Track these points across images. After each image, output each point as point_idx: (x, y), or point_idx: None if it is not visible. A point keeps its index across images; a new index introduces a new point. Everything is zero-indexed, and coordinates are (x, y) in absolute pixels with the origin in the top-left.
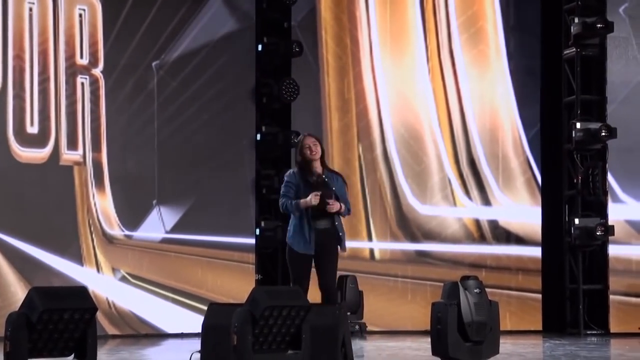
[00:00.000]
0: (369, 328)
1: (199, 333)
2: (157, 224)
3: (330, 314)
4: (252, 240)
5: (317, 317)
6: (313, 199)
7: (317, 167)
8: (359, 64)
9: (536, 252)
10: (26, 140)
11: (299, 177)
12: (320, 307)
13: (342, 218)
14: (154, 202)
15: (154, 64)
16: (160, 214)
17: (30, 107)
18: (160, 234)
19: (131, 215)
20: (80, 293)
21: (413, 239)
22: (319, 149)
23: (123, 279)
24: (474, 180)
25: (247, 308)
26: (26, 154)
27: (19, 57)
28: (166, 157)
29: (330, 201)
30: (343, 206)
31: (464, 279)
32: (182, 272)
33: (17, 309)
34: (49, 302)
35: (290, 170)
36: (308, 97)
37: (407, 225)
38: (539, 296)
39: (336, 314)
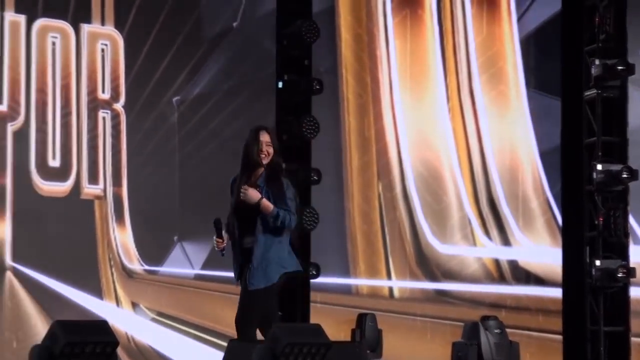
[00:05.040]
0: None
1: None
2: (177, 260)
3: (350, 352)
4: None
5: (337, 355)
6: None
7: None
8: (379, 102)
9: (557, 293)
10: (48, 173)
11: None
12: (341, 345)
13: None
14: (175, 237)
15: (174, 99)
16: (184, 250)
17: (52, 140)
18: (179, 269)
19: (151, 250)
20: (102, 327)
21: (432, 277)
22: (271, 149)
23: (142, 313)
24: (494, 220)
25: (268, 345)
26: (48, 188)
27: (41, 91)
28: (187, 193)
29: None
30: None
31: (485, 318)
32: (202, 308)
33: (37, 342)
34: (71, 335)
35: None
36: (328, 135)
37: (426, 264)
38: (560, 337)
39: (357, 351)
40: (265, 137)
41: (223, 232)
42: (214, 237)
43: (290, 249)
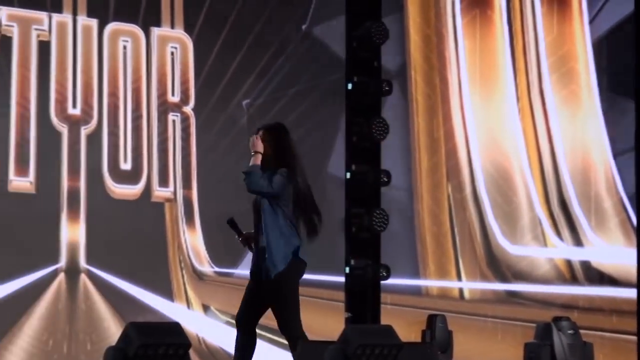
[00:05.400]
0: None
1: None
2: (247, 261)
3: (422, 353)
4: (342, 279)
5: (409, 356)
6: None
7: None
8: (448, 103)
9: (631, 293)
10: (120, 176)
11: None
12: (413, 346)
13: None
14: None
15: (244, 102)
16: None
17: (124, 144)
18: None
19: (222, 252)
20: (175, 329)
21: (503, 279)
22: (259, 142)
23: (213, 315)
24: (565, 220)
25: (339, 346)
26: (120, 190)
27: (113, 95)
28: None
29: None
30: None
31: (557, 319)
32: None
33: (110, 344)
34: (145, 337)
35: None
36: (397, 136)
37: (497, 265)
38: (635, 338)
39: (428, 352)
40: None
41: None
42: (236, 237)
43: (294, 242)
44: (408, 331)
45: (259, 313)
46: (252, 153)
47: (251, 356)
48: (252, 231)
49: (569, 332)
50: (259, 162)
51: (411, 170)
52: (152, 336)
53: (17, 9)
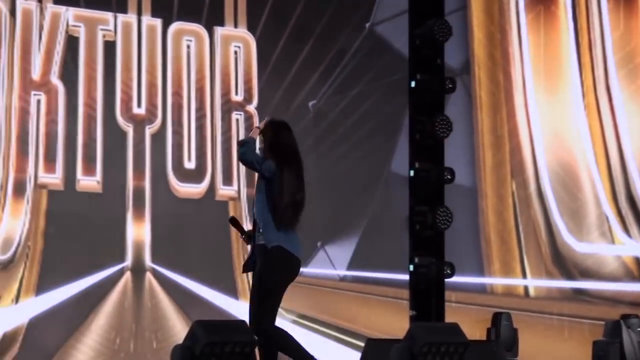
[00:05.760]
0: None
1: None
2: (318, 261)
3: (488, 351)
4: (406, 277)
5: (475, 354)
6: None
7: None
8: (512, 100)
9: None
10: (184, 175)
11: None
12: (479, 344)
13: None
14: (319, 243)
15: (310, 103)
16: (326, 252)
17: (188, 143)
18: (313, 269)
19: None
20: (241, 326)
21: (569, 276)
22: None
23: (277, 313)
24: (634, 217)
25: (406, 344)
26: (184, 189)
27: (177, 94)
28: (319, 194)
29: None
30: None
31: (626, 317)
32: (337, 308)
33: (175, 342)
34: (211, 335)
35: None
36: (461, 134)
37: (562, 263)
38: None
39: (494, 350)
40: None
41: (244, 227)
42: (241, 236)
43: (279, 232)
44: (473, 329)
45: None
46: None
47: (276, 353)
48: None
49: (639, 329)
50: (256, 136)
51: (475, 168)
52: (219, 334)
53: (83, 9)
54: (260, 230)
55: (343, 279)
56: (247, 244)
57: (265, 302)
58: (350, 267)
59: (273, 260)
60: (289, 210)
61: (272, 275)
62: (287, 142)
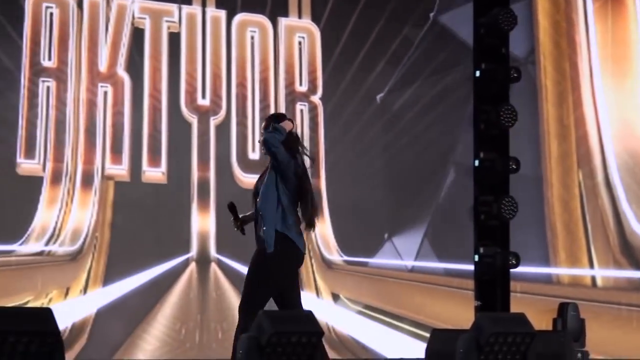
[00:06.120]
0: (592, 356)
1: (418, 359)
2: (384, 252)
3: (555, 342)
4: (471, 267)
5: (542, 345)
6: None
7: None
8: (579, 89)
9: None
10: (248, 166)
11: None
12: (545, 334)
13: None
14: (386, 235)
15: (378, 96)
16: (393, 244)
17: (252, 133)
18: (379, 260)
19: (351, 241)
20: (307, 317)
21: (638, 266)
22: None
23: (342, 304)
24: None
25: (472, 334)
26: (248, 180)
27: (241, 85)
28: (383, 184)
29: None
30: None
31: None
32: (401, 298)
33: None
34: (277, 325)
35: None
36: (526, 123)
37: (631, 253)
38: None
39: (561, 341)
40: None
41: (239, 214)
42: (232, 219)
43: (274, 228)
44: (539, 320)
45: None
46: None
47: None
48: (248, 214)
49: None
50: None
51: (540, 158)
52: (285, 324)
53: (148, 1)
54: (264, 226)
55: (412, 270)
56: (237, 230)
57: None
58: (417, 257)
59: (272, 264)
60: (314, 212)
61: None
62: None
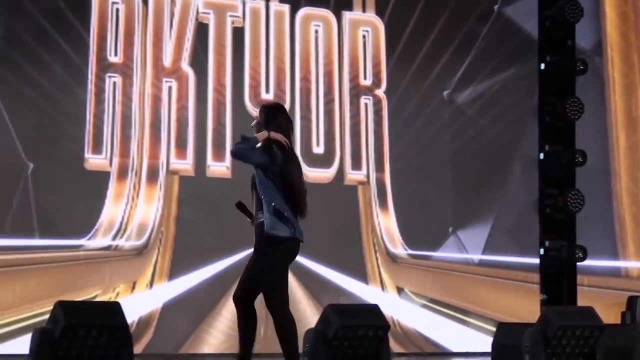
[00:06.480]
0: None
1: (484, 352)
2: (449, 246)
3: (625, 335)
4: (536, 260)
5: (611, 338)
6: None
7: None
8: None
9: None
10: (313, 160)
11: None
12: (614, 327)
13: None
14: (450, 228)
15: (445, 92)
16: (458, 237)
17: (316, 127)
18: (443, 254)
19: (416, 235)
20: (373, 311)
21: None
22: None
23: (407, 297)
24: None
25: (540, 327)
26: (313, 174)
27: (305, 79)
28: (447, 178)
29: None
30: None
31: None
32: (466, 291)
33: (307, 327)
34: (344, 319)
35: None
36: (593, 116)
37: None
38: None
39: (631, 335)
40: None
41: (250, 212)
42: (247, 220)
43: (279, 216)
44: (607, 313)
45: (256, 291)
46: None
47: (253, 332)
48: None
49: None
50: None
51: (608, 150)
52: (352, 318)
53: None
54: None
55: (480, 263)
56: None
57: (272, 288)
58: (484, 251)
59: (269, 250)
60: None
61: (269, 264)
62: (281, 123)
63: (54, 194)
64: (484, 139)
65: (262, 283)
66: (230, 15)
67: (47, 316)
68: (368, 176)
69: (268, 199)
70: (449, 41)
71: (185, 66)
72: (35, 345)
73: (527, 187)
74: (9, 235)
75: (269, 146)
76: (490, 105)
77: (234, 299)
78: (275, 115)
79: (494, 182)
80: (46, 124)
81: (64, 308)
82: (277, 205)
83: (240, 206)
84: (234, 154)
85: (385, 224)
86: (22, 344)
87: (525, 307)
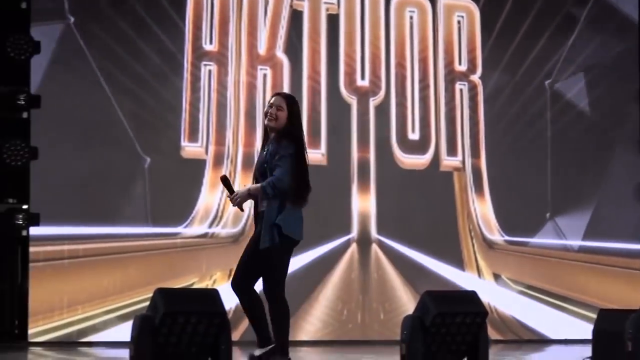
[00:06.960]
0: None
1: (583, 339)
2: (547, 232)
3: None
4: (638, 246)
5: None
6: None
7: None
8: None
9: None
10: (408, 146)
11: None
12: None
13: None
14: (547, 214)
15: (546, 82)
16: (556, 223)
17: (412, 114)
18: (540, 240)
19: (514, 221)
20: (471, 297)
21: None
22: (280, 113)
23: (504, 284)
24: None
25: None
26: (408, 160)
27: (400, 65)
28: (544, 164)
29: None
30: (245, 191)
31: None
32: (565, 278)
33: (403, 313)
34: (441, 305)
35: None
36: None
37: None
38: None
39: None
40: (276, 101)
41: (235, 187)
42: (227, 195)
43: (297, 215)
44: None
45: (255, 275)
46: (249, 195)
47: (261, 311)
48: (243, 187)
49: None
50: (256, 186)
51: None
52: (449, 304)
53: None
54: (262, 232)
55: (580, 249)
56: (234, 206)
57: (279, 281)
58: (584, 237)
59: (283, 250)
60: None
61: (282, 262)
62: (300, 117)
63: (157, 183)
64: (583, 123)
65: (270, 276)
66: (325, 3)
67: (146, 304)
68: (464, 162)
69: (284, 197)
70: (546, 25)
71: (280, 54)
72: (136, 332)
73: (629, 172)
74: (112, 223)
75: (290, 154)
76: (589, 90)
77: (233, 285)
78: (299, 113)
79: (595, 167)
80: (146, 114)
81: (163, 295)
82: (292, 204)
83: (225, 180)
84: (266, 193)
85: (482, 210)
86: (123, 332)
87: (627, 293)
